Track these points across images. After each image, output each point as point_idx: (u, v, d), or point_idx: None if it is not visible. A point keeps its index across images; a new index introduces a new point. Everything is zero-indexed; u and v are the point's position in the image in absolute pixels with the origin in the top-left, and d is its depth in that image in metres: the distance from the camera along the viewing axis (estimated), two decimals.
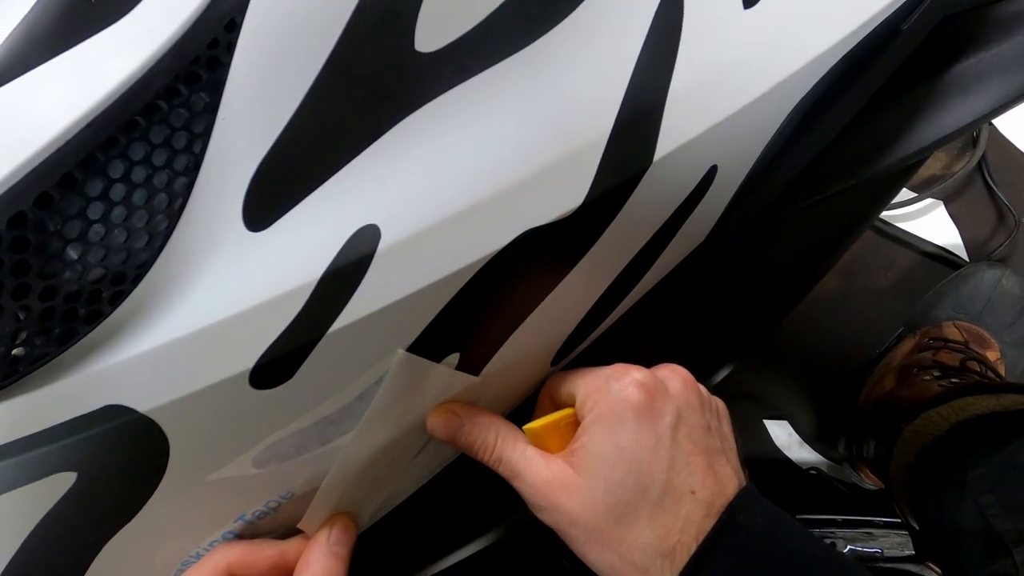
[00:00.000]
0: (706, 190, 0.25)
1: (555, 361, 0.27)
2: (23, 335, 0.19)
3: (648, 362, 0.27)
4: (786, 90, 0.25)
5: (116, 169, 0.19)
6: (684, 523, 0.24)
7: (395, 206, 0.21)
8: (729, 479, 0.25)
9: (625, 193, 0.22)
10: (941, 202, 0.75)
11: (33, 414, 0.20)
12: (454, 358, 0.24)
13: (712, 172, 0.25)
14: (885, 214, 0.76)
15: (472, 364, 0.24)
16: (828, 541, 0.69)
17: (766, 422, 0.77)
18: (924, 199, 0.75)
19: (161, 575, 0.25)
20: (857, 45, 0.27)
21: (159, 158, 0.20)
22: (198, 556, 0.25)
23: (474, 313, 0.22)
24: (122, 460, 0.21)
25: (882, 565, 0.68)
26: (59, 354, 0.20)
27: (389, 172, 0.21)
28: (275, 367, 0.21)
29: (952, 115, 0.30)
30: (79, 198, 0.19)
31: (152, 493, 0.22)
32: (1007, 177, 0.74)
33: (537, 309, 0.23)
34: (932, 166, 0.76)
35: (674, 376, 0.26)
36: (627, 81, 0.22)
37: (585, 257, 0.23)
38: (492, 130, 0.21)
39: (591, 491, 0.24)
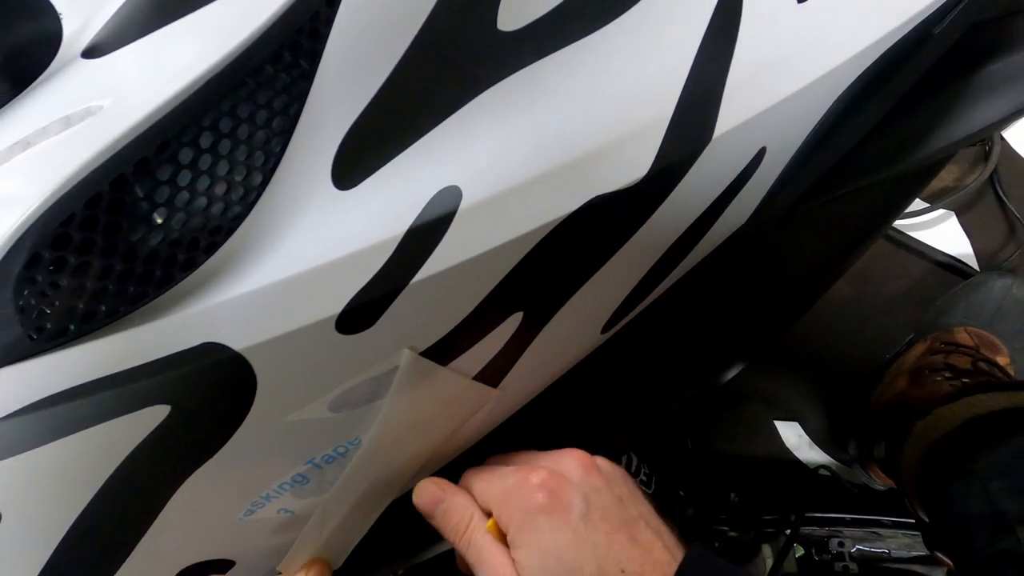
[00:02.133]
0: (755, 170, 0.27)
1: (605, 329, 0.29)
2: (128, 276, 0.21)
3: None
4: (831, 81, 0.27)
5: (225, 125, 0.21)
6: None
7: (475, 170, 0.22)
8: (652, 544, 0.26)
9: (684, 168, 0.24)
10: (953, 213, 0.77)
11: (134, 349, 0.22)
12: (516, 318, 0.25)
13: (761, 153, 0.27)
14: (898, 223, 0.78)
15: (534, 324, 0.25)
16: (836, 540, 0.70)
17: (776, 423, 0.78)
18: (936, 210, 0.77)
19: (230, 517, 0.27)
20: (894, 45, 0.29)
21: (261, 118, 0.22)
22: (267, 498, 0.26)
23: (540, 274, 0.24)
24: (213, 396, 0.22)
25: (889, 565, 0.69)
26: (157, 296, 0.21)
27: (470, 139, 0.23)
28: (359, 314, 0.22)
29: (980, 114, 0.32)
30: (192, 149, 0.21)
31: (235, 431, 0.23)
32: (1017, 190, 0.75)
33: (598, 273, 0.25)
34: (944, 178, 0.78)
35: (571, 462, 0.27)
36: (690, 65, 0.24)
37: (643, 227, 0.25)
38: (565, 105, 0.23)
39: None
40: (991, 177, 0.76)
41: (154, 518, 0.25)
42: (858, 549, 0.70)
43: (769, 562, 0.67)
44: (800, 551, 0.71)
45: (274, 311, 0.22)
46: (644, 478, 0.60)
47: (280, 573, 0.30)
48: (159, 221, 0.21)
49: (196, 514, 0.26)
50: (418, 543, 0.36)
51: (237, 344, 0.22)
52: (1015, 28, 0.34)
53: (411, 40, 0.22)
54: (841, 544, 0.69)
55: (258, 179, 0.22)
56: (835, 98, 0.28)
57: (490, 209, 0.22)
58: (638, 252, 0.26)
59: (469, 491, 0.29)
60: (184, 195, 0.21)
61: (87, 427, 0.22)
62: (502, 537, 0.27)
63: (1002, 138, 0.77)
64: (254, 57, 0.20)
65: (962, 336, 0.64)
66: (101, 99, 0.21)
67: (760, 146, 0.26)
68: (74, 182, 0.20)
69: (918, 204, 0.78)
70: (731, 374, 0.47)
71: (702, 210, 0.27)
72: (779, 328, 0.49)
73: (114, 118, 0.20)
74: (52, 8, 0.24)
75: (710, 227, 0.28)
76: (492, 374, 0.27)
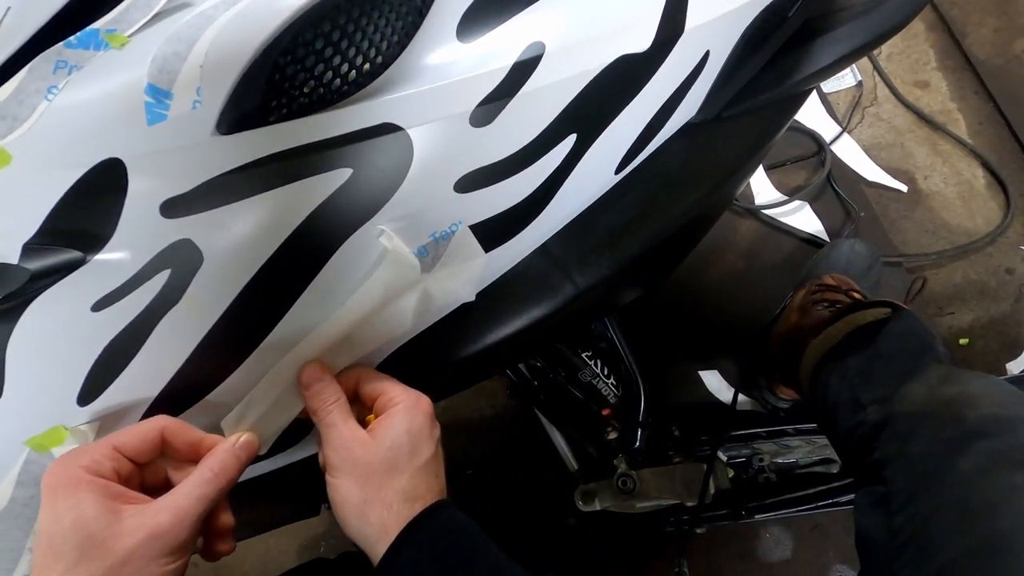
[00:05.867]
0: (702, 69, 0.43)
1: (618, 171, 0.42)
2: (337, 82, 0.31)
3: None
4: (739, 16, 0.44)
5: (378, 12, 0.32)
6: (427, 489, 0.35)
7: (552, 31, 0.35)
8: (441, 477, 0.37)
9: (669, 47, 0.39)
10: (807, 203, 1.01)
11: (335, 124, 0.31)
12: (571, 139, 0.37)
13: (706, 56, 0.42)
14: (771, 211, 1.01)
15: (582, 146, 0.38)
16: (756, 458, 0.84)
17: (700, 373, 0.94)
18: (795, 201, 1.01)
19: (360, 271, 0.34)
20: (771, 5, 0.47)
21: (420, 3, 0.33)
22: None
23: (589, 106, 0.37)
24: (385, 162, 0.32)
25: (798, 472, 0.84)
26: (353, 93, 0.31)
27: (548, 13, 0.35)
28: (486, 113, 0.33)
29: (818, 59, 0.51)
30: (378, 4, 0.31)
31: (392, 195, 0.32)
32: (845, 185, 1.02)
33: (620, 115, 0.38)
34: (797, 178, 1.03)
35: (429, 402, 0.37)
36: None
37: (646, 86, 0.39)
38: (600, 4, 0.37)
39: (378, 448, 0.34)
40: (828, 176, 1.02)
41: (322, 266, 0.32)
42: (773, 463, 0.85)
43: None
44: (731, 472, 0.84)
45: (432, 104, 0.32)
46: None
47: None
48: (356, 44, 0.31)
49: (344, 273, 0.34)
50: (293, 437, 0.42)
51: (404, 124, 0.32)
52: (831, 19, 0.54)
53: None
54: (761, 460, 0.84)
55: (412, 27, 0.33)
56: (743, 30, 0.45)
57: (562, 56, 0.35)
58: (643, 105, 0.39)
59: (358, 379, 0.37)
60: (371, 28, 0.32)
61: (295, 181, 0.31)
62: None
63: (831, 150, 1.04)
64: None
65: (829, 280, 0.84)
66: None
67: (706, 49, 0.42)
68: (303, 10, 0.29)
69: (782, 198, 1.01)
70: (629, 298, 0.57)
71: (676, 86, 0.41)
72: (684, 249, 0.62)
73: None
74: None
75: (678, 105, 0.43)
76: (549, 188, 0.38)
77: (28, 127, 0.28)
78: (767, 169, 1.04)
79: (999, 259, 0.97)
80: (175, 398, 0.34)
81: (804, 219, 1.00)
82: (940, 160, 1.03)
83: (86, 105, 0.29)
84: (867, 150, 1.04)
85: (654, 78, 0.39)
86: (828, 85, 1.09)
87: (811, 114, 1.07)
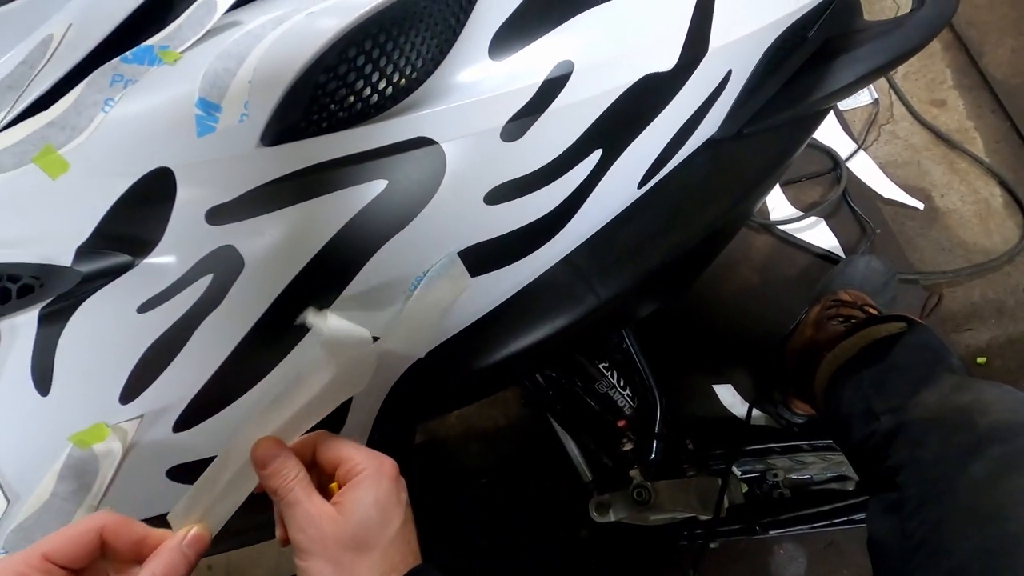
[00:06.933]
0: (724, 88, 0.44)
1: (640, 185, 0.43)
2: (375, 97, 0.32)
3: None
4: (761, 36, 0.45)
5: (428, 16, 0.34)
6: (402, 559, 0.33)
7: (580, 51, 0.36)
8: (413, 544, 0.35)
9: (693, 67, 0.40)
10: (822, 219, 1.02)
11: (372, 138, 0.32)
12: (597, 154, 0.38)
13: (728, 75, 0.43)
14: (786, 227, 1.01)
15: (607, 161, 0.39)
16: (771, 474, 0.84)
17: (715, 386, 0.94)
18: (811, 217, 1.01)
19: (401, 282, 0.35)
20: (790, 26, 0.48)
21: (447, 12, 0.34)
22: (415, 284, 0.36)
23: (615, 123, 0.38)
24: (418, 174, 0.33)
25: (813, 488, 0.84)
26: (389, 108, 0.32)
27: (576, 34, 0.37)
28: (516, 128, 0.34)
29: (837, 80, 0.52)
30: (407, 25, 0.33)
31: (425, 206, 0.34)
32: (861, 201, 1.02)
33: (645, 131, 0.39)
34: (813, 194, 1.04)
35: (394, 465, 0.35)
36: (691, 12, 0.40)
37: (671, 103, 0.40)
38: (629, 21, 0.38)
39: (347, 524, 0.32)
40: (843, 193, 1.02)
41: (355, 274, 0.34)
42: (788, 478, 0.84)
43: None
44: (745, 487, 0.84)
45: (462, 120, 0.33)
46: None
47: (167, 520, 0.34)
48: (393, 61, 0.33)
49: (375, 281, 0.35)
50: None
51: (438, 138, 0.33)
52: (850, 40, 0.55)
53: None
54: (775, 475, 0.84)
55: (446, 45, 0.34)
56: (764, 50, 0.46)
57: (590, 74, 0.36)
58: (667, 121, 0.40)
59: (315, 445, 0.35)
60: (408, 46, 0.33)
61: (334, 191, 0.32)
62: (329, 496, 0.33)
63: (847, 167, 1.04)
64: None
65: (844, 296, 0.84)
66: None
67: (728, 68, 0.43)
68: (359, 21, 0.31)
69: (797, 214, 1.02)
70: (648, 310, 0.58)
71: (699, 103, 0.42)
72: (703, 263, 0.62)
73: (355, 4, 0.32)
74: None
75: (700, 122, 0.44)
76: (574, 201, 0.39)
77: (85, 137, 0.30)
78: (782, 185, 1.05)
79: (1017, 278, 0.96)
80: (209, 401, 0.35)
81: (820, 235, 1.00)
82: (957, 178, 1.03)
83: (140, 117, 0.30)
84: (883, 167, 1.04)
85: (678, 96, 0.40)
86: (844, 102, 1.09)
87: (827, 131, 1.07)
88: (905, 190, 1.03)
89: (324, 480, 0.35)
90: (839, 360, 0.68)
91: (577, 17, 0.37)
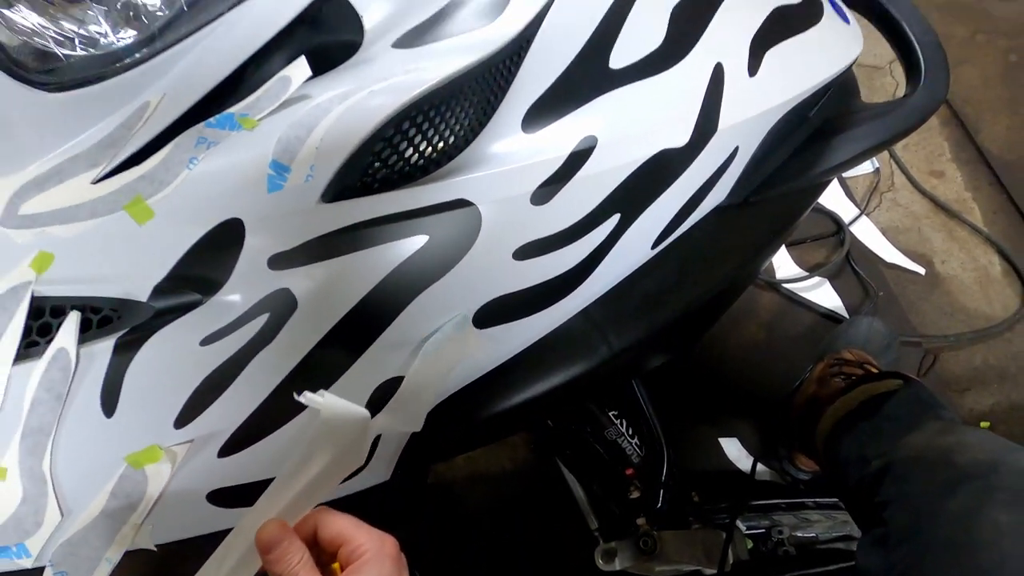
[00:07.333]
0: (732, 162, 0.48)
1: (654, 246, 0.46)
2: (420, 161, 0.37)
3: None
4: (766, 118, 0.50)
5: (468, 94, 0.38)
6: None
7: (604, 128, 0.41)
8: None
9: (703, 144, 0.44)
10: (827, 280, 1.05)
11: (417, 198, 0.36)
12: (615, 218, 0.42)
13: (735, 151, 0.48)
14: (791, 286, 1.04)
15: (624, 224, 0.43)
16: (776, 530, 0.84)
17: (720, 440, 0.95)
18: (815, 278, 1.05)
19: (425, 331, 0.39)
20: (792, 108, 0.53)
21: (486, 91, 0.39)
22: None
23: (633, 192, 0.42)
24: (456, 231, 0.37)
25: (819, 547, 0.84)
26: (433, 172, 0.37)
27: (600, 113, 0.41)
28: (544, 193, 0.38)
29: (834, 157, 0.56)
30: (451, 103, 0.37)
31: (460, 259, 0.37)
32: (864, 264, 1.05)
33: (658, 198, 0.43)
34: (818, 255, 1.07)
35: (395, 543, 0.35)
36: (703, 95, 0.45)
37: (683, 174, 0.44)
38: (645, 104, 0.43)
39: None
40: (847, 256, 1.06)
41: (392, 320, 0.37)
42: (793, 536, 0.84)
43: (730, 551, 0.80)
44: (750, 544, 0.84)
45: (498, 185, 0.38)
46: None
47: None
48: (439, 131, 0.37)
49: (407, 336, 0.38)
50: None
51: (476, 200, 0.37)
52: (849, 120, 0.60)
53: (566, 65, 0.41)
54: (780, 532, 0.84)
55: (485, 119, 0.39)
56: (768, 128, 0.51)
57: (611, 148, 0.41)
58: (679, 190, 0.45)
59: (315, 523, 0.35)
60: (452, 119, 0.38)
61: (382, 244, 0.36)
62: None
63: (850, 231, 1.08)
64: (485, 65, 0.38)
65: (847, 355, 0.86)
66: (404, 74, 0.38)
67: (736, 145, 0.47)
68: (413, 100, 0.36)
69: (802, 273, 1.05)
70: (659, 362, 0.62)
71: (708, 175, 0.46)
72: (711, 319, 0.66)
73: (422, 80, 0.37)
74: (359, 23, 0.41)
75: (710, 191, 0.48)
76: (593, 259, 0.43)
77: (171, 190, 0.34)
78: (788, 246, 1.09)
79: (1018, 345, 0.98)
80: (253, 430, 0.38)
81: (824, 295, 1.04)
82: (957, 246, 1.07)
83: (219, 174, 0.34)
84: (885, 232, 1.09)
85: (689, 169, 0.45)
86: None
87: (831, 196, 1.12)
88: (907, 255, 1.06)
89: (325, 559, 0.36)
90: (839, 413, 0.71)
91: (601, 98, 0.42)
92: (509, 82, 0.39)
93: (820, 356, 0.91)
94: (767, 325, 1.02)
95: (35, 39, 0.34)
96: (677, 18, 0.45)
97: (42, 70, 0.34)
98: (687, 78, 0.44)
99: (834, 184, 1.13)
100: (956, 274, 1.04)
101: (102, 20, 0.34)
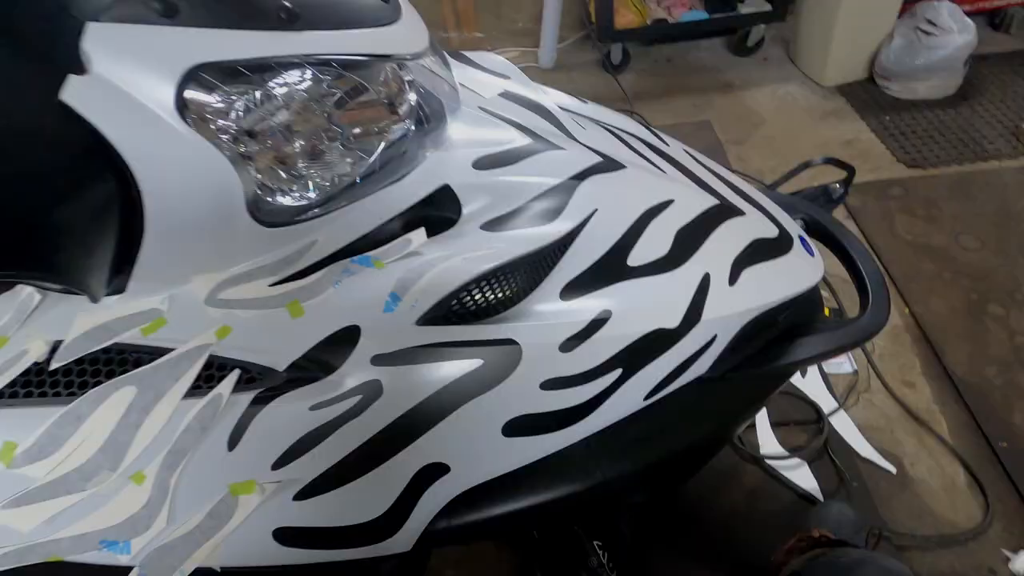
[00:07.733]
0: (711, 346, 0.63)
1: (647, 397, 0.60)
2: (486, 308, 0.53)
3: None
4: (741, 318, 0.66)
5: (523, 270, 0.56)
6: None
7: (617, 305, 0.57)
8: None
9: (689, 328, 0.60)
10: (805, 462, 1.15)
11: (479, 334, 0.52)
12: (617, 371, 0.57)
13: (714, 338, 0.63)
14: (773, 462, 1.14)
15: (624, 377, 0.57)
16: None
17: None
18: (795, 459, 1.15)
19: (474, 435, 0.52)
20: (765, 312, 0.69)
21: (532, 270, 0.56)
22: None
23: (634, 354, 0.57)
24: (502, 361, 0.51)
25: None
26: (494, 315, 0.52)
27: (617, 295, 0.58)
28: (569, 345, 0.53)
29: (800, 353, 0.71)
30: (509, 275, 0.55)
31: (501, 382, 0.51)
32: (841, 454, 1.15)
33: (653, 362, 0.58)
34: (798, 438, 1.18)
35: None
36: (692, 294, 0.61)
37: (673, 348, 0.59)
38: (647, 295, 0.59)
39: None
40: (825, 443, 1.16)
41: (447, 416, 0.50)
42: None
43: None
44: None
45: (538, 334, 0.53)
46: None
47: None
48: (502, 289, 0.54)
49: (453, 431, 0.51)
50: None
51: (520, 341, 0.52)
52: (810, 328, 0.76)
53: (596, 259, 0.59)
54: None
55: (534, 286, 0.55)
56: (742, 325, 0.66)
57: (621, 321, 0.56)
58: (668, 359, 0.59)
59: None
60: (513, 282, 0.54)
61: (449, 360, 0.51)
62: None
63: (828, 422, 1.20)
64: (540, 252, 0.56)
65: (815, 534, 0.94)
66: (486, 249, 0.56)
67: (715, 333, 0.63)
68: (491, 268, 0.52)
69: (783, 453, 1.15)
70: (641, 497, 0.74)
71: (692, 352, 0.61)
72: (690, 470, 0.78)
73: (498, 255, 0.54)
74: (459, 207, 0.59)
75: (693, 364, 0.63)
76: (597, 400, 0.57)
77: (319, 300, 0.50)
78: (773, 425, 1.20)
79: (982, 557, 1.04)
80: (325, 482, 0.50)
81: (802, 476, 1.13)
82: (925, 452, 1.17)
83: (352, 294, 0.50)
84: (861, 429, 1.20)
85: (677, 344, 0.60)
86: (829, 367, 1.29)
87: (814, 386, 1.26)
88: (880, 453, 1.17)
89: None
90: (791, 569, 0.80)
91: (618, 284, 0.59)
92: (555, 264, 0.56)
93: (793, 533, 0.98)
94: (749, 495, 1.10)
95: (263, 191, 0.53)
96: (680, 237, 0.63)
97: (258, 209, 0.52)
98: (682, 280, 0.61)
99: (817, 378, 1.27)
100: (924, 478, 1.13)
101: (311, 186, 0.52)
